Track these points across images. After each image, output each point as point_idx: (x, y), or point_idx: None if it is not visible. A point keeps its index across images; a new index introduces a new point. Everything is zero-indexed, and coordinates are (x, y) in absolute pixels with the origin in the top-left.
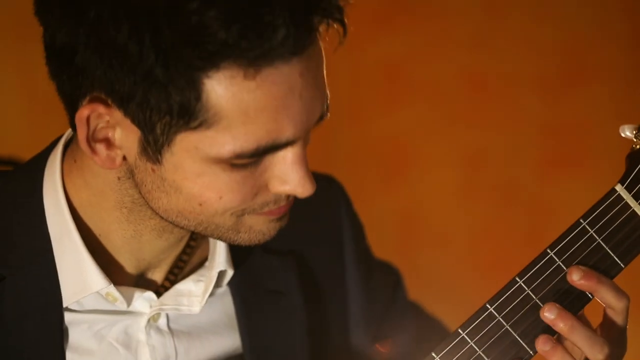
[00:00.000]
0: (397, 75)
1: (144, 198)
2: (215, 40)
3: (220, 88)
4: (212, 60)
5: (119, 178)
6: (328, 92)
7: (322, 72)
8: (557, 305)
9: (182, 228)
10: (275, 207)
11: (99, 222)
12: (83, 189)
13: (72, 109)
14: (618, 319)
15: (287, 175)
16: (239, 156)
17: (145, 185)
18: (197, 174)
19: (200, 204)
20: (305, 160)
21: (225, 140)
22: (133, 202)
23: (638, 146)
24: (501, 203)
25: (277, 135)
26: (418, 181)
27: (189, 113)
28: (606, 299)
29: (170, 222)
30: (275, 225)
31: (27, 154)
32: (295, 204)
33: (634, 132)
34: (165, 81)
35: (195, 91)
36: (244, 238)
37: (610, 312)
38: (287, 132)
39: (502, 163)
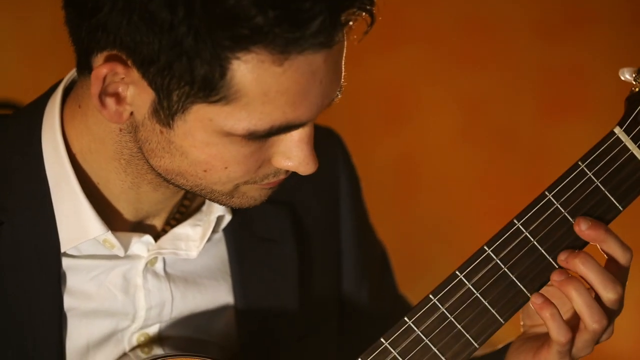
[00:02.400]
0: (396, 19)
1: (143, 154)
2: (250, 24)
3: (247, 69)
4: (244, 44)
5: (120, 130)
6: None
7: (343, 58)
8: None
9: (176, 186)
10: (273, 180)
11: (98, 170)
12: (84, 134)
13: (85, 58)
14: (620, 273)
15: (292, 152)
16: (252, 134)
17: (149, 144)
18: (206, 144)
19: (205, 171)
20: (311, 139)
21: (241, 117)
22: (131, 155)
23: (637, 89)
24: (500, 147)
25: (293, 118)
26: (416, 125)
27: (210, 87)
28: (612, 249)
29: (167, 180)
30: (267, 192)
31: (25, 97)
32: None
33: (634, 75)
34: (193, 54)
35: (221, 68)
36: (235, 202)
37: (613, 267)
38: (303, 116)
39: (501, 107)
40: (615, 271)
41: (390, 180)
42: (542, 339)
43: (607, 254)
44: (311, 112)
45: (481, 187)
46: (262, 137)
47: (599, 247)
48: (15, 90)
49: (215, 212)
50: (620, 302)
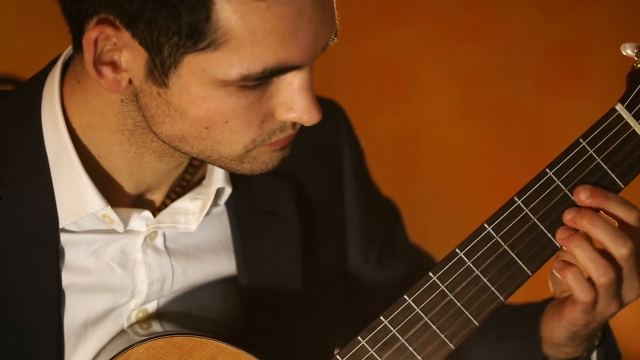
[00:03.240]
0: None
1: (147, 122)
2: None
3: (230, 9)
4: None
5: (122, 100)
6: (337, 18)
7: None
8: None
9: (183, 154)
10: (282, 136)
11: (100, 144)
12: (84, 110)
13: (77, 30)
14: (632, 234)
15: (293, 102)
16: (245, 78)
17: (149, 110)
18: (203, 98)
19: (207, 128)
20: (311, 87)
21: (233, 62)
22: (135, 124)
23: (639, 65)
24: (500, 122)
25: (285, 58)
26: (417, 100)
27: (197, 33)
28: (616, 213)
29: (172, 147)
30: (278, 155)
31: (26, 72)
32: None
33: (635, 50)
34: (175, 1)
35: (205, 11)
36: (246, 168)
37: (624, 230)
38: (295, 56)
39: (501, 82)
40: (628, 233)
41: (391, 155)
42: (568, 301)
43: (614, 218)
44: (304, 52)
45: (481, 162)
46: (256, 81)
47: (604, 213)
48: (16, 66)
49: (215, 185)
50: (635, 257)
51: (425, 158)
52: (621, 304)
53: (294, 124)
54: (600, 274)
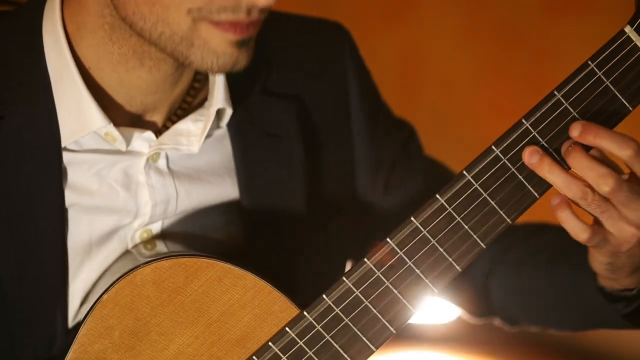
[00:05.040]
0: None
1: (115, 8)
2: None
3: None
4: None
5: None
6: None
7: None
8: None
9: (141, 34)
10: (232, 17)
11: (88, 48)
12: (77, 14)
13: None
14: (634, 167)
15: None
16: None
17: None
18: None
19: None
20: None
21: None
22: (111, 16)
23: None
24: (504, 44)
25: None
26: (421, 19)
27: None
28: (610, 149)
29: (130, 24)
30: (232, 51)
31: None
32: (297, 48)
33: None
34: None
35: None
36: (197, 55)
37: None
38: None
39: (505, 3)
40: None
41: (393, 79)
42: None
43: (608, 154)
44: None
45: (485, 84)
46: None
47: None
48: None
49: (215, 105)
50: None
51: (427, 80)
52: (635, 225)
53: (248, 12)
54: (603, 183)
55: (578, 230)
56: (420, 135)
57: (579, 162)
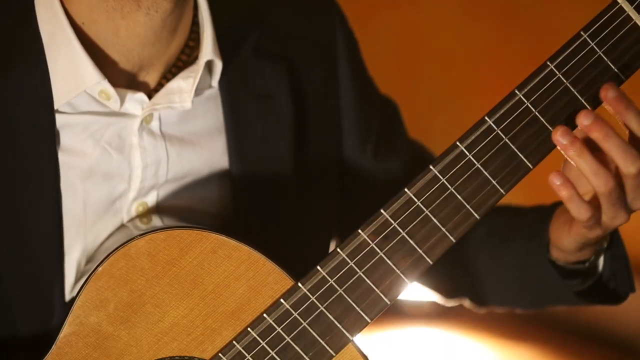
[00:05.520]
0: None
1: None
2: None
3: None
4: None
5: None
6: None
7: None
8: (594, 113)
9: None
10: None
11: (83, 1)
12: None
13: None
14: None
15: None
16: None
17: None
18: None
19: None
20: None
21: None
22: None
23: None
24: (501, 18)
25: None
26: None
27: None
28: (632, 127)
29: None
30: None
31: None
32: (289, 13)
33: None
34: None
35: None
36: None
37: (633, 142)
38: None
39: None
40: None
41: (391, 55)
42: None
43: (628, 129)
44: None
45: (483, 57)
46: None
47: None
48: None
49: (204, 57)
50: None
51: (426, 57)
52: (629, 213)
53: None
54: (602, 184)
55: (582, 210)
56: (419, 110)
57: (585, 162)
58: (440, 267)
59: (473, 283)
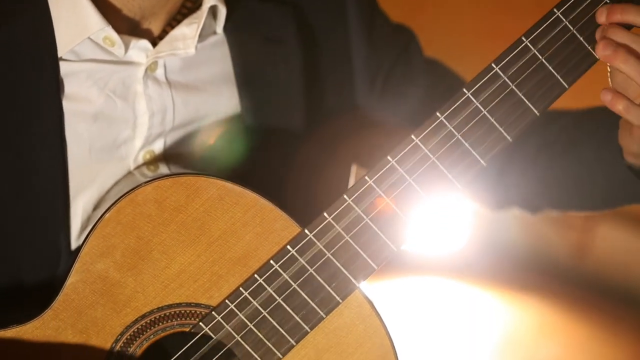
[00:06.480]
0: None
1: None
2: None
3: None
4: None
5: None
6: None
7: None
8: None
9: None
10: None
11: None
12: None
13: None
14: None
15: None
16: None
17: None
18: None
19: None
20: None
21: None
22: None
23: None
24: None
25: None
26: None
27: None
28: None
29: None
30: None
31: None
32: None
33: None
34: None
35: None
36: None
37: None
38: None
39: None
40: None
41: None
42: None
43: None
44: None
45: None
46: None
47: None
48: None
49: (207, 3)
50: None
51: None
52: None
53: None
54: None
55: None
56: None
57: (630, 67)
58: (485, 184)
59: (526, 192)
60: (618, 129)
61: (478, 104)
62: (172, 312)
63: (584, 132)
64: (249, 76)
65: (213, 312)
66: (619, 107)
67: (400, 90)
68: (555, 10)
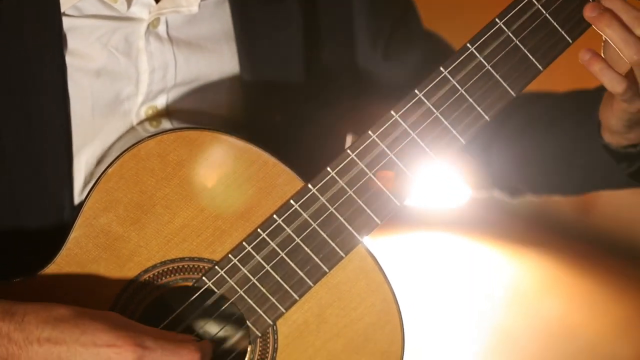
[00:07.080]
0: None
1: None
2: None
3: None
4: None
5: None
6: None
7: None
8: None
9: None
10: None
11: None
12: None
13: None
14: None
15: None
16: None
17: None
18: None
19: None
20: None
21: None
22: None
23: None
24: None
25: None
26: None
27: None
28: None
29: None
30: None
31: None
32: None
33: None
34: None
35: None
36: None
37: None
38: None
39: None
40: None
41: None
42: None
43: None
44: None
45: None
46: None
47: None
48: None
49: None
50: None
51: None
52: None
53: None
54: (633, 53)
55: (615, 82)
56: (424, 16)
57: (614, 31)
58: (471, 156)
59: (507, 171)
60: (598, 111)
61: (482, 59)
62: (175, 267)
63: (565, 110)
64: (249, 34)
65: (216, 267)
66: (595, 67)
67: (401, 53)
68: None
